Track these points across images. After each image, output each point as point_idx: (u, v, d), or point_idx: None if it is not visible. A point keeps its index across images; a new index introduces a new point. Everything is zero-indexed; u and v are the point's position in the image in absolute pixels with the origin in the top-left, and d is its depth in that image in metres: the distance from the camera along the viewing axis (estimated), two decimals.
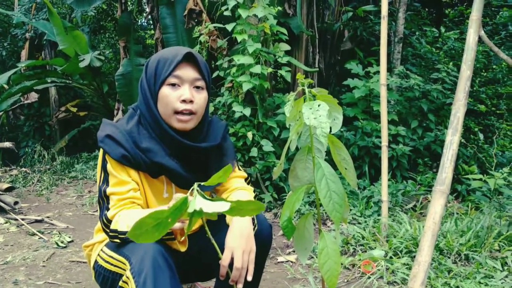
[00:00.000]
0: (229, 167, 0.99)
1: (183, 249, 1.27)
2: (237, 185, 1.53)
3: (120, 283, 1.25)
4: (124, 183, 1.35)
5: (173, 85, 1.34)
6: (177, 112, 1.34)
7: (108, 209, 1.33)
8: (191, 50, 1.36)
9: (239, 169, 1.60)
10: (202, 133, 1.44)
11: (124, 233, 1.26)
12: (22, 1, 7.84)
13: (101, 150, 1.37)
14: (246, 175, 1.60)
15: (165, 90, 1.34)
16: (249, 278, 1.24)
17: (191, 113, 1.35)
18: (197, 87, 1.38)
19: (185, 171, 1.39)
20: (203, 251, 1.50)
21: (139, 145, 1.34)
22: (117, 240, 1.29)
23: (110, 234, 1.30)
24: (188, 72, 1.35)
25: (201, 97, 1.38)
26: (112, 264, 1.33)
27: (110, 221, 1.31)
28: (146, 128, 1.38)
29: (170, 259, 1.22)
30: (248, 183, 1.59)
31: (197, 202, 0.85)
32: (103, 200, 1.36)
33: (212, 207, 0.85)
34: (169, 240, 1.25)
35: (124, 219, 1.28)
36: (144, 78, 1.40)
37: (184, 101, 1.33)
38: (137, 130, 1.38)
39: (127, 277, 1.21)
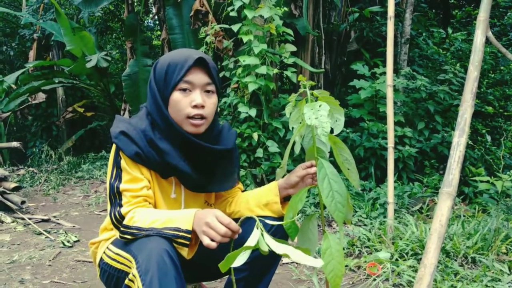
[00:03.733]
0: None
1: (188, 256, 1.26)
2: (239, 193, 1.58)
3: (126, 281, 1.24)
4: (138, 180, 1.34)
5: (184, 90, 1.34)
6: (189, 117, 1.35)
7: (121, 205, 1.32)
8: (202, 55, 1.36)
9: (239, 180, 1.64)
10: (214, 136, 1.44)
11: (138, 229, 1.25)
12: (30, 1, 7.91)
13: (114, 146, 1.37)
14: (242, 188, 1.64)
15: (177, 96, 1.34)
16: None
17: (202, 117, 1.36)
18: (208, 91, 1.38)
19: (195, 174, 1.39)
20: (209, 252, 1.50)
21: (154, 144, 1.34)
22: (128, 237, 1.28)
23: (122, 229, 1.29)
24: (199, 77, 1.35)
25: (211, 102, 1.38)
26: (118, 262, 1.33)
27: (123, 218, 1.30)
28: (158, 130, 1.38)
29: (177, 258, 1.21)
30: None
31: (268, 242, 1.08)
32: (115, 196, 1.35)
33: (280, 249, 1.05)
34: (182, 245, 1.23)
35: (140, 216, 1.27)
36: (153, 81, 1.38)
37: (195, 106, 1.34)
38: (151, 130, 1.38)
39: (133, 275, 1.21)
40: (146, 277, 1.15)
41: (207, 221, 1.16)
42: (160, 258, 1.17)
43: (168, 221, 1.23)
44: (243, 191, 1.62)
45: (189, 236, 1.21)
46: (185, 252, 1.23)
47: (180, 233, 1.21)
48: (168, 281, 1.15)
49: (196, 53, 1.36)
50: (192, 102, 1.33)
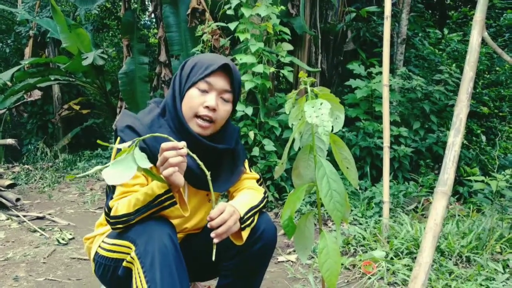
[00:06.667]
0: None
1: (186, 213, 1.28)
2: (247, 185, 1.55)
3: (124, 263, 1.26)
4: (134, 176, 1.35)
5: (202, 89, 1.37)
6: (197, 116, 1.37)
7: (112, 198, 1.35)
8: (229, 62, 1.38)
9: (251, 170, 1.61)
10: (217, 137, 1.45)
11: (126, 215, 1.27)
12: None
13: (118, 139, 1.39)
14: (258, 176, 1.61)
15: (193, 92, 1.37)
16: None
17: (211, 120, 1.37)
18: (224, 98, 1.40)
19: (199, 170, 1.39)
20: (204, 251, 1.51)
21: (158, 137, 1.34)
22: (120, 226, 1.30)
23: (111, 221, 1.32)
24: (219, 82, 1.37)
25: (225, 109, 1.40)
26: (114, 251, 1.34)
27: (110, 209, 1.33)
28: (167, 121, 1.40)
29: (177, 240, 1.24)
30: (260, 184, 1.60)
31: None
32: (110, 189, 1.38)
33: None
34: (172, 205, 1.25)
35: (123, 204, 1.30)
36: (178, 75, 1.43)
37: (207, 107, 1.36)
38: (158, 123, 1.40)
39: (131, 257, 1.23)
40: (146, 259, 1.18)
41: (158, 164, 1.21)
42: (160, 240, 1.20)
43: (147, 197, 1.26)
44: (258, 181, 1.61)
45: (171, 194, 1.25)
46: (179, 211, 1.26)
47: (163, 197, 1.25)
48: (169, 263, 1.18)
49: (225, 59, 1.39)
50: (205, 103, 1.36)
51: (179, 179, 1.21)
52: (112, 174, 1.07)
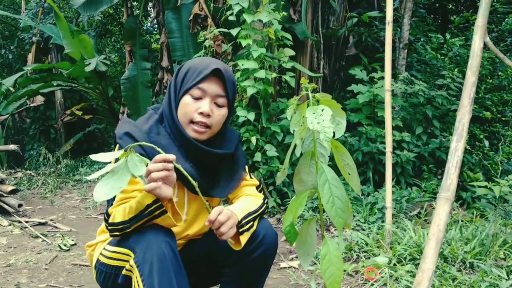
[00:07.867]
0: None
1: (179, 222, 1.28)
2: (246, 192, 1.54)
3: (124, 271, 1.26)
4: (133, 182, 1.35)
5: (195, 96, 1.37)
6: (193, 122, 1.37)
7: (111, 205, 1.35)
8: (220, 66, 1.38)
9: (251, 177, 1.60)
10: (216, 142, 1.45)
11: (122, 223, 1.27)
12: (30, 5, 7.91)
13: (117, 146, 1.39)
14: (257, 183, 1.60)
15: (186, 99, 1.37)
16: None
17: (206, 126, 1.38)
18: (218, 103, 1.40)
19: (198, 176, 1.39)
20: (204, 258, 1.50)
21: (158, 144, 1.34)
22: (117, 233, 1.30)
23: (109, 228, 1.32)
24: (212, 87, 1.38)
25: (219, 113, 1.40)
26: (115, 259, 1.34)
27: (109, 216, 1.33)
28: (165, 128, 1.41)
29: (176, 248, 1.24)
30: (260, 191, 1.59)
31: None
32: None
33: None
34: (163, 214, 1.24)
35: (119, 212, 1.30)
36: (173, 82, 1.43)
37: (201, 113, 1.36)
38: (156, 130, 1.40)
39: (130, 265, 1.23)
40: (144, 267, 1.18)
41: (144, 176, 1.19)
42: (159, 248, 1.19)
43: (138, 205, 1.25)
44: (258, 187, 1.60)
45: (159, 203, 1.24)
46: (171, 220, 1.26)
47: (153, 207, 1.24)
48: (167, 271, 1.18)
49: (217, 63, 1.39)
50: (199, 109, 1.36)
51: (165, 192, 1.19)
52: (102, 189, 1.07)
